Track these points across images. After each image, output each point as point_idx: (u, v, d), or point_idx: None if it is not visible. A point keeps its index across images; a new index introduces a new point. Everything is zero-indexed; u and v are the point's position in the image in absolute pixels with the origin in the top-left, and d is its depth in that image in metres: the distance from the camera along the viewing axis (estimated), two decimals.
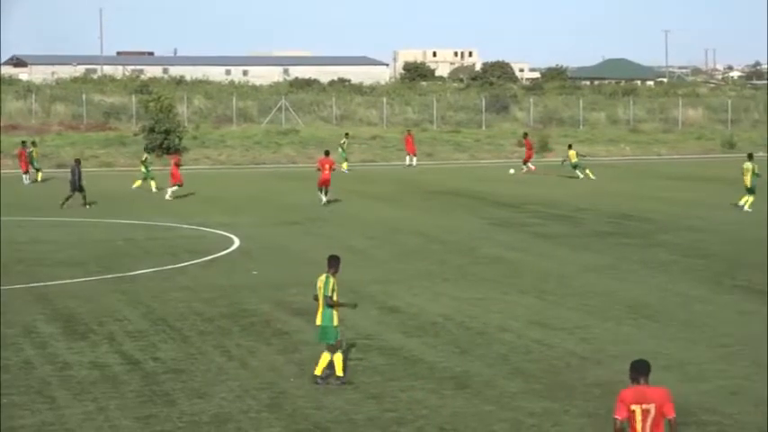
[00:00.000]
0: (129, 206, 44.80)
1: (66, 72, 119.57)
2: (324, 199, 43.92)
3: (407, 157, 67.48)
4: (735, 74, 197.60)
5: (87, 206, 43.91)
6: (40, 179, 56.27)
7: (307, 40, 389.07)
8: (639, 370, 11.74)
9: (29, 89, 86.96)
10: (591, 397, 17.22)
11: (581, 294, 25.59)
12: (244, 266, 30.01)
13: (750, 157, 44.02)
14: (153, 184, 50.84)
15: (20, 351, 20.45)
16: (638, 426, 11.63)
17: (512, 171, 60.74)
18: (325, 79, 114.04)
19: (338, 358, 18.03)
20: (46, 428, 16.00)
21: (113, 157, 68.39)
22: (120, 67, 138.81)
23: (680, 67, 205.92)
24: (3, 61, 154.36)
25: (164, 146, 67.51)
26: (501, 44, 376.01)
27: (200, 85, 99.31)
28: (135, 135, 72.23)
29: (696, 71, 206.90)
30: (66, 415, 16.55)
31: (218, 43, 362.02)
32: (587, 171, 57.27)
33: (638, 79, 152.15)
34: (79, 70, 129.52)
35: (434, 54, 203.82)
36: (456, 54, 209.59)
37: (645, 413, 11.61)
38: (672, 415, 11.71)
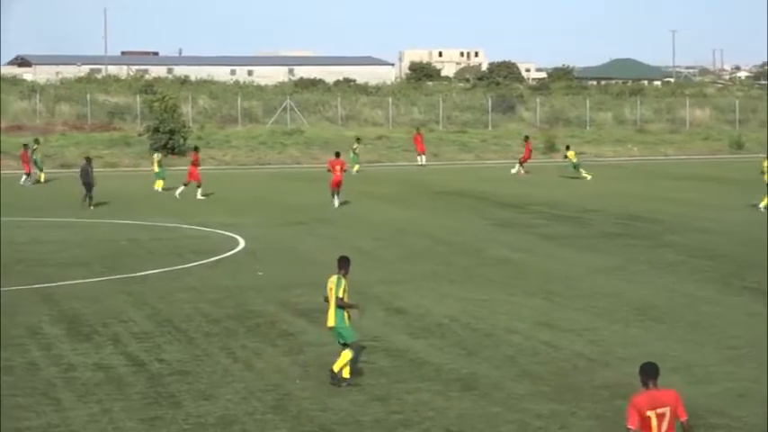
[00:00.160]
0: (134, 206, 44.76)
1: (70, 72, 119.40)
2: (336, 203, 43.63)
3: (419, 157, 67.35)
4: (742, 74, 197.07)
5: (92, 207, 43.83)
6: (42, 180, 55.90)
7: (312, 39, 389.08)
8: (650, 373, 11.62)
9: (33, 89, 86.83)
10: (599, 399, 17.13)
11: (588, 296, 25.52)
12: (249, 267, 29.94)
13: None
14: (160, 183, 50.74)
15: (25, 352, 20.41)
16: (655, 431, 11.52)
17: (513, 171, 60.55)
18: (330, 79, 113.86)
19: (346, 356, 17.91)
20: (51, 430, 15.95)
21: (118, 158, 68.35)
22: (125, 67, 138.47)
23: (687, 67, 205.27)
24: (7, 61, 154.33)
25: (168, 146, 67.38)
26: (507, 44, 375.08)
27: (205, 85, 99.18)
28: (139, 135, 72.12)
29: (703, 71, 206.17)
30: (71, 417, 16.49)
31: (222, 43, 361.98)
32: (581, 170, 57.07)
33: (645, 79, 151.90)
34: (83, 70, 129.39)
35: (440, 54, 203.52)
36: (462, 54, 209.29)
37: (660, 417, 11.52)
38: (684, 417, 11.65)
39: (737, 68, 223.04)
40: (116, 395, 17.53)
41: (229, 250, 33.04)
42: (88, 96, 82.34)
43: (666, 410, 11.51)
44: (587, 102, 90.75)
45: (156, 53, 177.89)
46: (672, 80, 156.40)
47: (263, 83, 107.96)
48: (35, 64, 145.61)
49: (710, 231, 36.70)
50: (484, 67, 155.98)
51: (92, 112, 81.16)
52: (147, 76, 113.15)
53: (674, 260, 30.70)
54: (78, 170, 46.60)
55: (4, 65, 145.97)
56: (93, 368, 19.19)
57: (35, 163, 56.63)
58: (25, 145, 57.82)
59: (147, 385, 18.11)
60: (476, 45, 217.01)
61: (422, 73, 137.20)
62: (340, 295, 17.70)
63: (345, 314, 17.87)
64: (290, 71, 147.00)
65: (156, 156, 53.36)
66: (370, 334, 21.33)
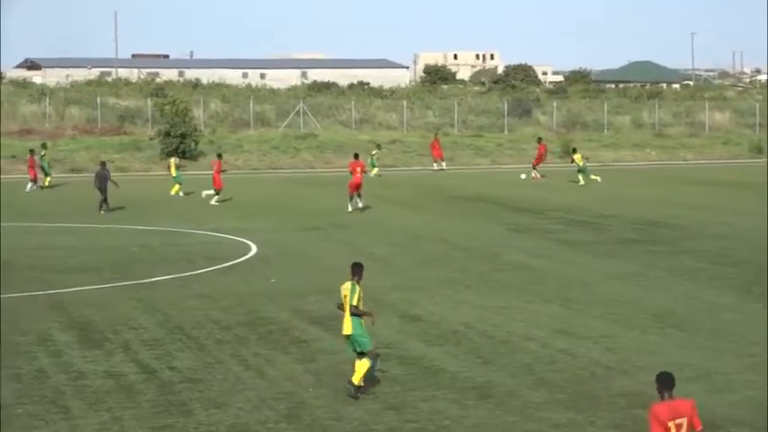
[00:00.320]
0: (145, 212, 44.61)
1: (80, 75, 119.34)
2: (356, 205, 43.20)
3: (435, 163, 67.12)
4: (762, 77, 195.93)
5: (102, 211, 43.67)
6: (47, 184, 55.19)
7: (325, 42, 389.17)
8: (667, 383, 11.64)
9: (43, 92, 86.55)
10: (616, 408, 17.00)
11: (606, 303, 25.35)
12: (261, 273, 29.80)
13: None
14: (177, 188, 50.56)
15: (34, 360, 20.35)
16: None
17: (523, 176, 60.13)
18: (343, 82, 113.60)
19: (364, 366, 17.68)
20: None
21: (128, 162, 68.01)
22: (136, 70, 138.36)
23: (706, 70, 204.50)
24: (16, 64, 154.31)
25: (179, 150, 67.19)
26: (523, 46, 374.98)
27: (217, 88, 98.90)
28: (150, 139, 71.97)
29: (723, 74, 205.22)
30: (81, 425, 16.41)
31: (234, 46, 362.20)
32: (580, 176, 56.90)
33: (663, 82, 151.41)
34: (94, 73, 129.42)
35: (455, 57, 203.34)
36: (477, 57, 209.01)
37: (678, 428, 11.50)
38: (700, 427, 11.65)
39: (758, 71, 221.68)
40: (126, 403, 17.45)
41: (241, 256, 32.88)
42: (98, 100, 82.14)
43: (684, 421, 11.53)
44: (605, 105, 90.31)
45: (167, 56, 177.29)
46: (691, 83, 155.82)
47: (275, 86, 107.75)
48: (45, 67, 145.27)
49: (730, 237, 36.39)
50: (500, 70, 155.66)
51: (102, 115, 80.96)
52: (158, 80, 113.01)
53: (693, 266, 30.53)
54: (93, 175, 46.38)
55: (14, 67, 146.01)
56: (103, 376, 19.11)
57: (42, 169, 55.93)
58: (31, 150, 57.04)
59: (158, 393, 18.01)
60: (492, 47, 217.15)
61: (437, 76, 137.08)
62: (354, 303, 17.52)
63: (362, 321, 17.66)
64: (303, 74, 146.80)
65: (174, 160, 53.09)
66: (384, 341, 21.19)
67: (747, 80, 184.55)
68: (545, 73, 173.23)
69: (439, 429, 16.07)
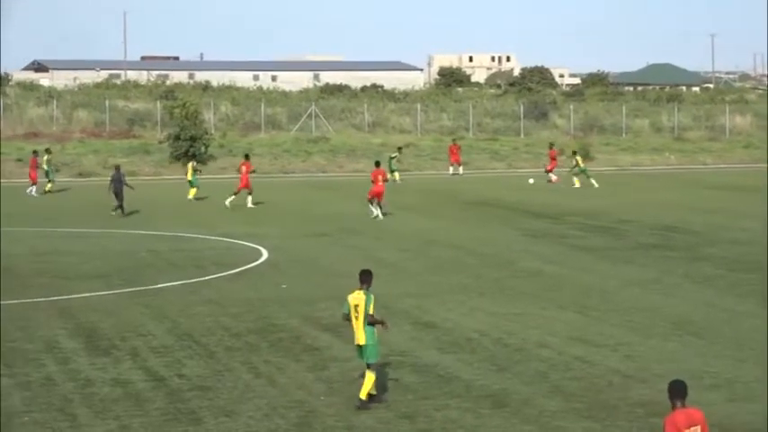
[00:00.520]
0: (154, 216, 44.44)
1: (88, 77, 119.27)
2: (375, 212, 42.77)
3: (452, 167, 66.84)
4: None
5: (114, 213, 43.49)
6: (48, 189, 54.37)
7: (338, 44, 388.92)
8: (680, 392, 11.73)
9: (50, 95, 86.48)
10: (634, 417, 16.86)
11: (624, 310, 25.17)
12: (272, 279, 29.64)
13: None
14: (193, 192, 50.32)
15: (41, 367, 20.27)
16: None
17: (531, 181, 59.73)
18: (356, 85, 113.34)
19: (371, 379, 17.49)
20: None
21: (137, 166, 67.51)
22: (145, 73, 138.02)
23: (727, 73, 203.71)
24: (23, 66, 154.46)
25: (189, 153, 66.97)
26: (540, 48, 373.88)
27: (228, 90, 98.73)
28: (160, 143, 71.76)
29: (744, 77, 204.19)
30: None
31: (245, 47, 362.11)
32: (575, 179, 56.74)
33: (683, 85, 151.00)
34: (102, 75, 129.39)
35: (471, 59, 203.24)
36: (493, 59, 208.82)
37: None
38: None
39: None
40: (134, 411, 17.36)
41: (252, 262, 32.70)
42: (107, 102, 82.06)
43: (698, 429, 11.66)
44: (623, 108, 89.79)
45: (176, 58, 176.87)
46: (711, 86, 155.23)
47: (287, 88, 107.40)
48: (52, 69, 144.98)
49: (750, 243, 36.05)
50: (516, 73, 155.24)
51: (110, 118, 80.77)
52: (167, 82, 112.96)
53: (712, 273, 30.34)
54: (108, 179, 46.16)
55: (21, 70, 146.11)
56: (111, 383, 19.01)
57: (46, 173, 55.32)
58: (35, 151, 56.66)
59: (167, 401, 17.91)
60: (507, 50, 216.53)
61: (451, 78, 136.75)
62: (371, 312, 17.26)
63: (375, 331, 17.42)
64: (316, 76, 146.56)
65: (192, 164, 52.70)
66: (397, 348, 21.13)
67: None
68: (562, 75, 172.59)
69: None
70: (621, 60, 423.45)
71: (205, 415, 17.09)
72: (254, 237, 37.71)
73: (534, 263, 32.25)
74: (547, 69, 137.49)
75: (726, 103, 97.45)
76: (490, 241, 37.02)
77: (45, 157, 55.62)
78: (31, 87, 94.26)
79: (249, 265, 31.95)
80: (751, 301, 26.11)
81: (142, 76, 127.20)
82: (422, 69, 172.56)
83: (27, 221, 42.44)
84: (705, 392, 17.92)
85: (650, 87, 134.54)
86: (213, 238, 38.03)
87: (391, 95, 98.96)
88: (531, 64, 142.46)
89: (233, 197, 47.22)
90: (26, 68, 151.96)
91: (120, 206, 43.82)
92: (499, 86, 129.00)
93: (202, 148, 68.22)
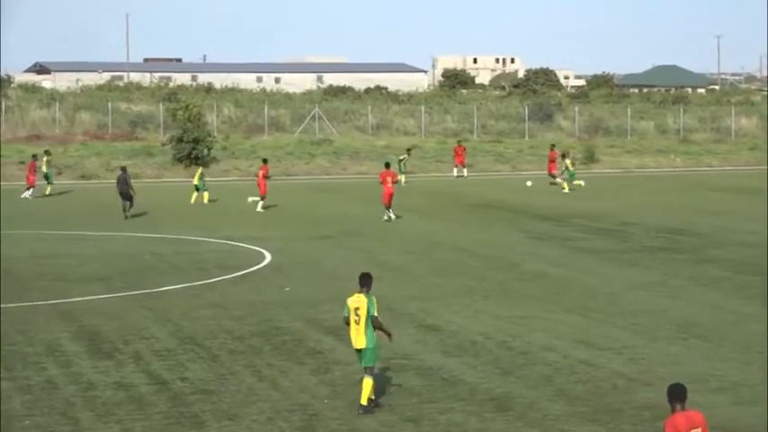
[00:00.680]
0: (156, 219, 44.38)
1: (90, 79, 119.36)
2: (390, 216, 42.62)
3: (456, 169, 66.73)
4: None
5: (126, 216, 43.44)
6: (48, 192, 54.12)
7: (341, 45, 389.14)
8: (680, 395, 11.75)
9: (52, 97, 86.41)
10: (639, 420, 16.81)
11: (629, 312, 25.10)
12: (275, 282, 29.57)
13: None
14: (195, 197, 50.24)
15: (43, 370, 20.20)
16: None
17: (528, 183, 59.56)
18: (360, 87, 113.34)
19: (369, 384, 17.40)
20: None
21: (140, 168, 67.19)
22: (147, 75, 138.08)
23: (732, 74, 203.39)
24: (26, 68, 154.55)
25: (192, 156, 66.86)
26: (545, 50, 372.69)
27: (231, 92, 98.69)
28: (163, 145, 71.60)
29: (750, 78, 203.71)
30: None
31: (248, 49, 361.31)
32: (564, 182, 56.68)
33: (688, 87, 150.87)
34: (104, 77, 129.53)
35: (475, 60, 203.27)
36: (497, 60, 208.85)
37: None
38: None
39: None
40: (137, 415, 17.30)
41: (255, 265, 32.62)
42: (109, 105, 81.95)
43: (698, 431, 11.66)
44: (628, 110, 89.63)
45: (179, 60, 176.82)
46: (717, 87, 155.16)
47: (290, 90, 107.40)
48: (54, 71, 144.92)
49: (756, 245, 35.93)
50: (520, 74, 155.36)
51: (113, 120, 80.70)
52: (170, 84, 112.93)
53: (717, 275, 30.28)
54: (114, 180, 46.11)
55: (23, 72, 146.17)
56: (113, 387, 18.95)
57: (46, 177, 54.95)
58: (34, 156, 56.15)
59: (170, 405, 17.86)
60: (512, 51, 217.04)
61: (456, 80, 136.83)
62: (376, 314, 17.18)
63: (375, 335, 17.34)
64: (319, 78, 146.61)
65: (201, 170, 52.49)
66: (401, 352, 21.05)
67: None
68: (567, 77, 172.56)
69: None
70: (627, 62, 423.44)
71: (208, 419, 17.02)
72: (257, 239, 37.62)
73: (539, 265, 32.16)
74: (552, 71, 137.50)
75: (731, 104, 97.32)
76: (494, 243, 36.93)
77: (44, 159, 55.47)
78: (33, 89, 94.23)
79: (252, 268, 31.87)
80: (757, 303, 26.02)
81: (145, 78, 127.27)
82: (426, 71, 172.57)
83: (27, 224, 42.36)
84: (710, 395, 17.87)
85: (655, 89, 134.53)
86: (216, 240, 37.95)
87: (395, 97, 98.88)
88: (535, 66, 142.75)
89: (261, 201, 47.18)
90: (28, 70, 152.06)
91: (130, 207, 43.71)
92: (504, 88, 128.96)
93: (205, 151, 68.06)
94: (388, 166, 44.51)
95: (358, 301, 17.17)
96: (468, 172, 67.53)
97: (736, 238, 37.91)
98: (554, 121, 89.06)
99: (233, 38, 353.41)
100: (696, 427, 11.60)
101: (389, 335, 17.56)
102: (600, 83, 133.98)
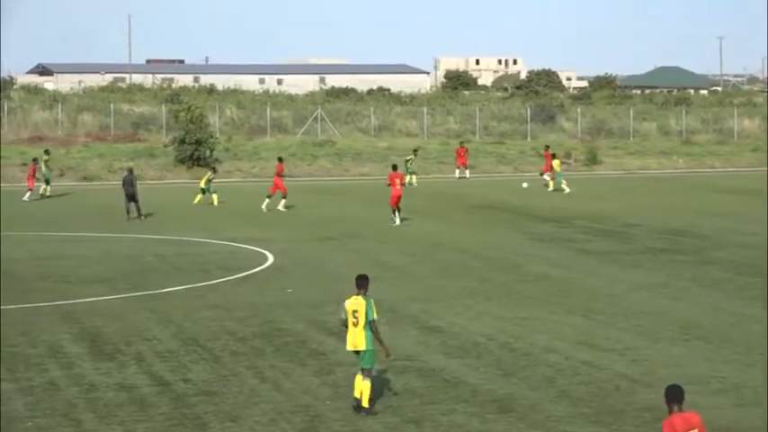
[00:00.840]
0: (158, 221, 44.28)
1: (93, 81, 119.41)
2: (396, 220, 42.39)
3: (458, 170, 66.66)
4: None
5: (142, 217, 43.40)
6: (47, 194, 53.94)
7: (344, 47, 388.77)
8: (677, 396, 11.80)
9: (55, 99, 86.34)
10: (641, 422, 16.78)
11: (631, 314, 25.05)
12: (278, 284, 29.53)
13: None
14: (199, 198, 50.14)
15: (45, 372, 20.16)
16: None
17: (525, 185, 59.43)
18: (362, 88, 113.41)
19: (367, 387, 17.38)
20: None
21: (142, 170, 66.95)
22: (150, 76, 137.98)
23: (735, 76, 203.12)
24: (28, 70, 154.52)
25: (194, 157, 66.80)
26: (547, 51, 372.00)
27: (233, 94, 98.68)
28: (165, 146, 71.49)
29: (752, 79, 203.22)
30: None
31: (251, 51, 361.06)
32: (551, 182, 56.75)
33: (691, 88, 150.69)
34: (107, 79, 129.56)
35: (477, 62, 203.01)
36: (500, 62, 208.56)
37: None
38: None
39: None
40: (139, 416, 17.28)
41: (257, 266, 32.56)
42: (112, 106, 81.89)
43: None
44: (631, 111, 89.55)
45: (181, 61, 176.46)
46: (719, 89, 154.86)
47: (293, 92, 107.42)
48: (56, 72, 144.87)
49: (758, 247, 35.83)
50: (523, 76, 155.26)
51: (115, 122, 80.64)
52: (172, 85, 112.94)
53: (720, 277, 30.22)
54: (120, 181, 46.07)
55: (25, 73, 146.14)
56: (115, 388, 18.92)
57: (45, 178, 54.65)
58: (35, 159, 55.98)
59: (172, 406, 17.83)
60: (514, 52, 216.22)
61: (458, 81, 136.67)
62: (376, 317, 17.16)
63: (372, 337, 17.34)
64: (322, 80, 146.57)
65: (209, 174, 52.26)
66: (403, 353, 21.00)
67: None
68: (569, 78, 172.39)
69: None
70: (629, 63, 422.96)
71: (210, 420, 17.01)
72: (259, 241, 37.57)
73: (541, 267, 32.12)
74: (554, 72, 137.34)
75: (734, 106, 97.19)
76: (496, 245, 36.90)
77: (44, 158, 55.42)
78: (35, 91, 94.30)
79: (255, 270, 31.83)
80: (759, 304, 25.95)
81: (147, 80, 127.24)
82: (428, 72, 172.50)
83: (28, 226, 42.33)
84: (712, 397, 17.86)
85: (658, 90, 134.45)
86: (218, 242, 37.91)
87: (397, 99, 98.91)
88: (538, 67, 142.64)
89: (283, 200, 47.10)
90: (30, 72, 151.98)
91: (138, 209, 43.68)
92: (506, 89, 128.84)
93: (207, 152, 67.98)
94: (395, 168, 44.15)
95: (356, 304, 17.14)
96: (470, 173, 67.50)
97: (738, 239, 37.85)
98: (556, 122, 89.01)
99: (235, 39, 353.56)
100: (693, 428, 11.64)
101: (386, 350, 17.34)
102: (602, 84, 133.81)
